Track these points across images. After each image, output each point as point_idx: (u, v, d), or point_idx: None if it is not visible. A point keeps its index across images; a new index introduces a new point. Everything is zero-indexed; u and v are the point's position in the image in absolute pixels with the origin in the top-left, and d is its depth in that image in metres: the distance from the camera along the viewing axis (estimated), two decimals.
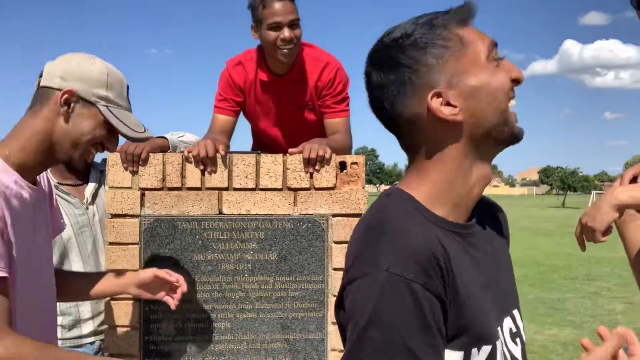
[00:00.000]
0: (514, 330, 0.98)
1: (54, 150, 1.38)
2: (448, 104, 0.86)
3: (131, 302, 1.90)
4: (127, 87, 1.46)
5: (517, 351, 0.97)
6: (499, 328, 0.93)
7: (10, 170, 1.33)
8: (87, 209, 2.09)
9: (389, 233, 0.83)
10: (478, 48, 0.87)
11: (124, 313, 1.89)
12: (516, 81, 0.89)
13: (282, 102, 2.45)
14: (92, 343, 2.10)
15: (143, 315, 1.90)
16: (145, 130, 1.46)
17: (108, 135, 1.42)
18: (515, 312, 1.00)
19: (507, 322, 0.97)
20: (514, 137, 0.90)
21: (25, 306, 1.36)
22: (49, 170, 2.19)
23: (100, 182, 2.17)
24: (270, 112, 2.49)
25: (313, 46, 2.42)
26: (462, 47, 0.86)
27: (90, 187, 2.12)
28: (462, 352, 0.84)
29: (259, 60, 2.37)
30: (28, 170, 1.37)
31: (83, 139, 1.38)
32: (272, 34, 2.21)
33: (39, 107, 1.36)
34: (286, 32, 2.19)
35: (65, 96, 1.34)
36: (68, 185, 2.11)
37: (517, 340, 0.98)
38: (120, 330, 1.89)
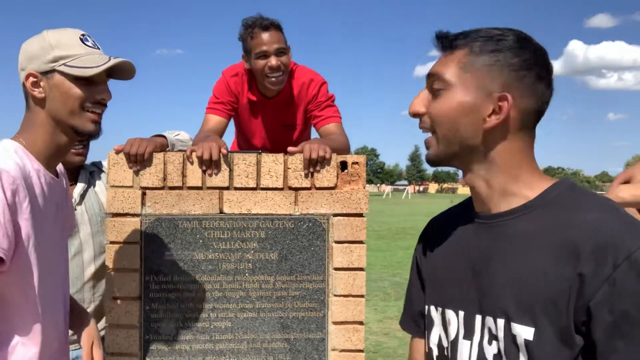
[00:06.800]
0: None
1: (60, 130, 1.42)
2: None
3: (132, 300, 1.89)
4: (84, 35, 1.44)
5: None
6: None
7: (33, 158, 1.39)
8: (75, 209, 2.07)
9: None
10: None
11: (124, 312, 1.89)
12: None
13: (269, 122, 2.56)
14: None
15: (143, 314, 1.90)
16: (109, 58, 1.43)
17: (90, 88, 1.41)
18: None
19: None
20: None
21: (41, 295, 1.39)
22: None
23: (90, 183, 2.15)
24: (257, 130, 2.60)
25: (299, 66, 2.50)
26: None
27: (79, 188, 2.11)
28: None
29: (250, 80, 2.48)
30: (48, 159, 1.43)
31: (70, 105, 1.40)
32: (260, 63, 2.33)
33: (28, 103, 1.44)
34: (273, 61, 2.31)
35: (29, 82, 1.39)
36: None
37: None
38: (120, 329, 1.89)
